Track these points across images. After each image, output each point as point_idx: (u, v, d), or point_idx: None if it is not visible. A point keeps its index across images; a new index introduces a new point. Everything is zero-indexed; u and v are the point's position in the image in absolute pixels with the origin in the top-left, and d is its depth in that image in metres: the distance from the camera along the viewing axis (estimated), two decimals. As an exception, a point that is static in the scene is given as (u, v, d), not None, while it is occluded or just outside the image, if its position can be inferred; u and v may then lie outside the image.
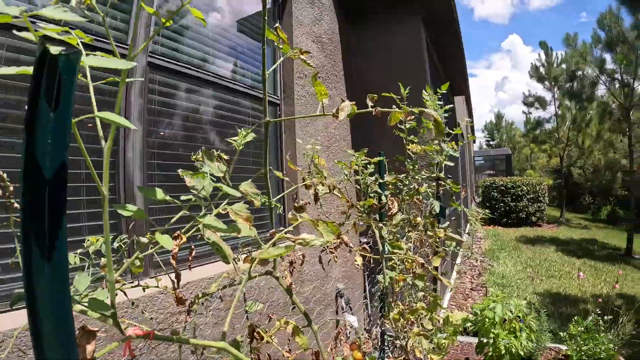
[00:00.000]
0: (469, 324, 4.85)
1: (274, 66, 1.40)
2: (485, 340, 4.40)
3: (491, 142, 49.91)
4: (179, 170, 1.10)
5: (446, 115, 3.08)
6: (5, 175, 1.27)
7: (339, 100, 1.40)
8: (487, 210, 13.07)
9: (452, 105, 4.22)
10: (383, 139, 4.96)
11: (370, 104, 1.38)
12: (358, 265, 2.26)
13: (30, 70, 0.61)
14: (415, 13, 6.13)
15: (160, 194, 0.91)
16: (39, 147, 0.53)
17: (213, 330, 2.74)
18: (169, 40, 2.99)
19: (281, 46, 1.49)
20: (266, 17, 1.18)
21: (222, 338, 1.08)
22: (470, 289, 8.67)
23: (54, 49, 0.51)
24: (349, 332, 3.94)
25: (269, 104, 4.11)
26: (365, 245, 2.27)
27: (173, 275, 1.15)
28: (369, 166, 2.69)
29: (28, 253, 0.55)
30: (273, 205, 1.39)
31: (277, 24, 1.33)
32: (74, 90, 0.55)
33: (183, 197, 1.00)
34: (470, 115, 16.62)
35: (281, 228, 1.19)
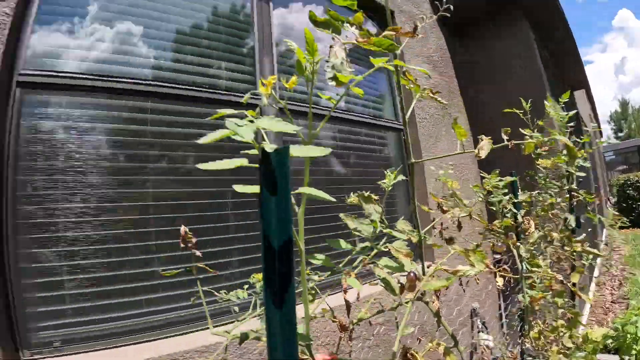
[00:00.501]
0: (609, 341, 4.56)
1: (411, 107, 1.51)
2: (627, 358, 4.13)
3: (619, 134, 46.04)
4: (341, 215, 1.25)
5: (571, 124, 3.02)
6: (188, 230, 1.51)
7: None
8: (624, 219, 12.01)
9: (576, 111, 4.07)
10: (505, 155, 4.89)
11: (505, 137, 1.46)
12: (499, 286, 2.29)
13: (243, 161, 0.78)
14: (522, 16, 6.02)
15: (343, 243, 1.07)
16: (266, 225, 0.70)
17: (361, 355, 2.88)
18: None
19: (412, 86, 1.61)
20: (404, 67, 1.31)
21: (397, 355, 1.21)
22: (611, 301, 8.03)
23: (268, 147, 0.66)
24: (484, 352, 3.92)
25: (393, 130, 4.24)
26: (504, 266, 2.31)
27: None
28: (500, 186, 2.71)
29: (267, 304, 0.72)
30: (422, 238, 1.50)
31: (404, 69, 1.45)
32: (288, 179, 0.70)
33: (360, 245, 1.15)
34: (592, 107, 15.51)
35: (436, 260, 1.31)
